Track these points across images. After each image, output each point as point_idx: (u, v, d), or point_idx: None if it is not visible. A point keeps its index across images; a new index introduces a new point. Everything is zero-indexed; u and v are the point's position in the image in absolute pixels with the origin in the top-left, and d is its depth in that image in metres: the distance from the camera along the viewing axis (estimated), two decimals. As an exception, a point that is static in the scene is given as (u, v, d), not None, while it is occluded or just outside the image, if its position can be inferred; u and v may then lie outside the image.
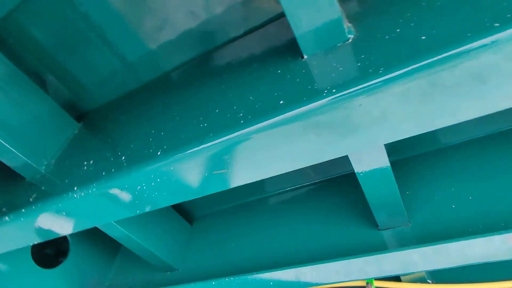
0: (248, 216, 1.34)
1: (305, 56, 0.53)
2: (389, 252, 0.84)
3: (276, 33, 0.70)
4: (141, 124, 0.77)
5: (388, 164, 0.70)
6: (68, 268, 1.35)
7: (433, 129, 0.44)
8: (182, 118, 0.66)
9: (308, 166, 1.20)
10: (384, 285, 1.20)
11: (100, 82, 1.04)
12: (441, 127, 0.44)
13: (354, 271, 0.90)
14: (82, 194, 0.71)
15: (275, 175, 0.58)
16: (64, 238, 1.41)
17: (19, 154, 0.86)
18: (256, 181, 0.61)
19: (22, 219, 0.80)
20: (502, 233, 0.69)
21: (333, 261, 0.90)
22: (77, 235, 1.44)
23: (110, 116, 0.96)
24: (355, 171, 0.73)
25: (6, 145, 0.84)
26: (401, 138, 0.48)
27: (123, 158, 0.68)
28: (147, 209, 0.72)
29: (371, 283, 1.20)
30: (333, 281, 0.94)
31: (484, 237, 0.74)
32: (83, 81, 1.07)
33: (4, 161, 0.89)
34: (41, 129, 0.95)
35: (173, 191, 0.65)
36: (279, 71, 0.56)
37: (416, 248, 0.82)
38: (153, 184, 0.64)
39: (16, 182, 0.95)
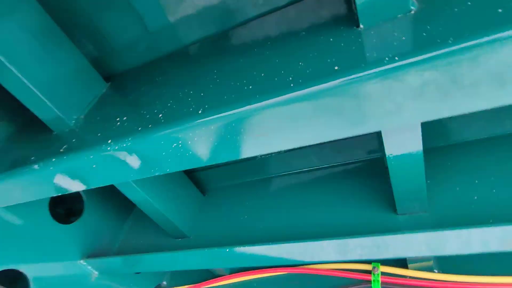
0: (262, 192, 1.36)
1: (362, 26, 0.53)
2: (403, 234, 0.86)
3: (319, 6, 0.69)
4: (178, 86, 0.77)
5: (421, 147, 0.70)
6: (82, 225, 1.39)
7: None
8: (223, 81, 0.67)
9: (329, 147, 1.21)
10: (390, 270, 1.23)
11: (128, 46, 1.04)
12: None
13: (367, 250, 0.91)
14: (116, 147, 0.72)
15: (314, 143, 0.58)
16: (78, 197, 1.44)
17: (51, 105, 0.87)
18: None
19: (51, 168, 0.82)
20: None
21: (347, 238, 0.91)
22: (91, 195, 1.47)
23: (143, 78, 0.96)
24: (386, 153, 0.73)
25: (40, 95, 0.85)
26: (446, 116, 0.48)
27: (160, 115, 0.69)
28: (178, 168, 0.73)
29: (377, 267, 1.23)
30: (346, 259, 0.96)
31: (501, 226, 0.75)
32: (112, 42, 1.06)
33: (36, 112, 0.90)
34: (71, 84, 0.95)
35: (208, 152, 0.65)
36: (331, 39, 0.56)
37: (430, 232, 0.83)
38: (189, 142, 0.65)
39: (45, 135, 0.96)
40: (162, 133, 0.65)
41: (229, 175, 1.45)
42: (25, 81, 0.81)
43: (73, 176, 0.84)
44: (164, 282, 1.74)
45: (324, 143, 0.59)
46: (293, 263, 1.04)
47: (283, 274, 1.44)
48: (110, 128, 0.78)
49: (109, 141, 0.73)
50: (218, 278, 1.55)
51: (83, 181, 0.86)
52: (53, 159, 0.81)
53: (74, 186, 0.88)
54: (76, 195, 1.44)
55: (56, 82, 0.90)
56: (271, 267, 1.46)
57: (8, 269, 1.10)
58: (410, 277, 1.18)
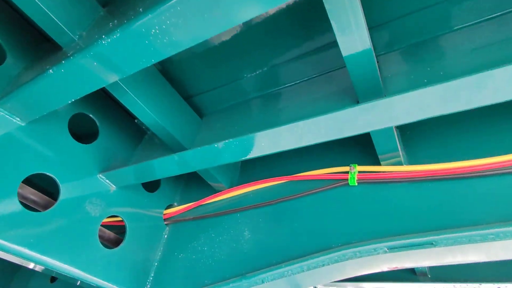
0: (249, 111, 1.51)
1: None
2: (364, 104, 0.99)
3: None
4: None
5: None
6: (98, 146, 1.60)
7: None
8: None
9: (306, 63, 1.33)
10: (366, 169, 1.38)
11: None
12: None
13: (337, 125, 1.06)
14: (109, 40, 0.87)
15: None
16: (93, 122, 1.64)
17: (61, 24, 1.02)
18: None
19: (62, 70, 0.99)
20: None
21: (319, 116, 1.05)
22: (104, 121, 1.67)
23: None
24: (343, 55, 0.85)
25: (47, 11, 0.99)
26: None
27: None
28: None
29: (354, 166, 1.38)
30: (319, 140, 1.10)
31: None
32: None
33: (43, 26, 1.05)
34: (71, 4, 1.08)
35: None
36: None
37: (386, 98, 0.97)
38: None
39: (57, 53, 1.13)
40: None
41: (221, 99, 1.60)
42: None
43: (84, 73, 1.00)
44: (175, 203, 1.98)
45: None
46: (279, 148, 1.18)
47: (276, 184, 1.63)
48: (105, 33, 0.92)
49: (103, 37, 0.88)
50: (220, 192, 1.75)
51: (95, 76, 1.01)
52: (63, 61, 0.97)
53: (85, 87, 1.05)
54: (91, 122, 1.64)
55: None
56: (265, 179, 1.65)
57: (41, 173, 1.33)
58: (384, 172, 1.33)
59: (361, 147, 1.50)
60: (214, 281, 1.44)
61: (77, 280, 1.48)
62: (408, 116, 0.99)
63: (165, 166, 1.41)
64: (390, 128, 1.19)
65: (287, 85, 1.45)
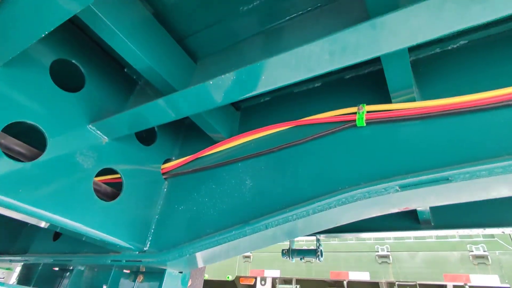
0: (250, 50, 1.37)
1: None
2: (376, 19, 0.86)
3: None
4: None
5: None
6: (86, 95, 1.48)
7: None
8: None
9: None
10: (376, 108, 1.27)
11: None
12: None
13: (339, 52, 0.94)
14: None
15: None
16: (78, 71, 1.51)
17: None
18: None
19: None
20: None
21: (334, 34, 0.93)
22: (91, 70, 1.54)
23: None
24: None
25: None
26: None
27: None
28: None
29: (362, 106, 1.28)
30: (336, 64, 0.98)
31: None
32: None
33: None
34: None
35: None
36: None
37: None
38: None
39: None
40: None
41: (216, 39, 1.45)
42: None
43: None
44: (173, 158, 1.91)
45: None
46: (278, 81, 1.07)
47: (278, 131, 1.53)
48: None
49: None
50: (219, 143, 1.67)
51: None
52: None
53: (53, 13, 0.91)
54: (77, 71, 1.51)
55: None
56: (267, 126, 1.55)
57: (24, 123, 1.23)
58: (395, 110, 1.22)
59: (371, 87, 1.38)
60: (216, 230, 1.40)
61: (77, 234, 1.44)
62: (427, 32, 0.86)
63: (156, 111, 1.30)
64: (405, 58, 1.07)
65: (290, 16, 1.29)
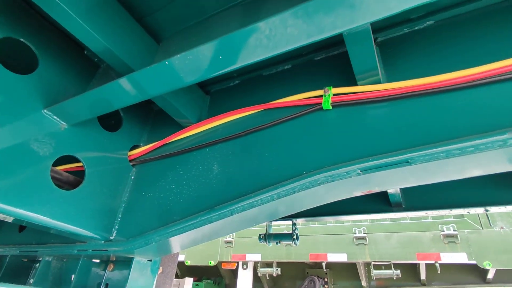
0: (214, 27, 1.31)
1: None
2: None
3: None
4: None
5: None
6: (39, 77, 1.39)
7: None
8: None
9: None
10: (342, 90, 1.25)
11: None
12: None
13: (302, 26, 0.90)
14: None
15: None
16: (30, 51, 1.40)
17: None
18: None
19: None
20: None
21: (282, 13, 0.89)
22: (44, 49, 1.43)
23: None
24: None
25: None
26: None
27: None
28: None
29: (328, 89, 1.25)
30: (291, 44, 0.93)
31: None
32: None
33: None
34: None
35: None
36: None
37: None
38: None
39: None
40: None
41: (179, 17, 1.38)
42: None
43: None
44: (141, 144, 1.84)
45: None
46: (242, 60, 1.02)
47: (246, 115, 1.49)
48: None
49: None
50: (187, 128, 1.62)
51: None
52: None
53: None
54: (29, 53, 1.40)
55: None
56: (234, 110, 1.51)
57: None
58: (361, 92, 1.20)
59: (341, 69, 1.36)
60: (183, 217, 1.37)
61: (39, 226, 1.37)
62: (387, 7, 0.83)
63: (116, 92, 1.23)
64: (368, 38, 1.04)
65: None
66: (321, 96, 1.27)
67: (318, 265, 6.60)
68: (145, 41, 1.40)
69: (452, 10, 1.24)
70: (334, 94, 1.25)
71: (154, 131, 1.90)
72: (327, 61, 1.48)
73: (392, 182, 1.13)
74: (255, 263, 6.71)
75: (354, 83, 1.25)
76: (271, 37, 0.92)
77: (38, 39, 1.42)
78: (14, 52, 1.40)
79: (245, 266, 6.70)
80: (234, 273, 7.56)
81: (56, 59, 1.48)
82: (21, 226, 2.20)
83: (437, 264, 5.15)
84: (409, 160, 0.98)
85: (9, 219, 1.38)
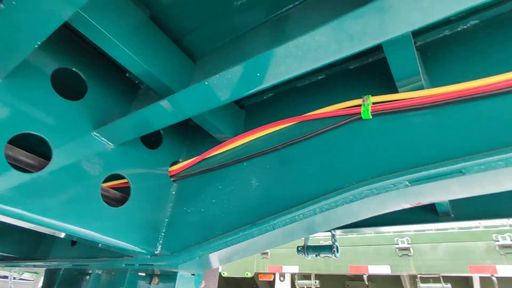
0: (248, 44, 1.34)
1: None
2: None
3: None
4: None
5: None
6: (88, 102, 1.49)
7: None
8: None
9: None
10: (382, 99, 1.21)
11: None
12: None
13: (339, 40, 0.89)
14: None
15: None
16: (80, 79, 1.52)
17: None
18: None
19: (13, 2, 0.84)
20: None
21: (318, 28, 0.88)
22: (92, 77, 1.55)
23: None
24: None
25: None
26: None
27: None
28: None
29: (367, 98, 1.22)
30: (329, 57, 0.92)
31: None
32: None
33: None
34: None
35: None
36: None
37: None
38: None
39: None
40: None
41: (213, 36, 1.43)
42: None
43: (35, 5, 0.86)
44: (180, 160, 1.90)
45: None
46: (279, 76, 1.03)
47: (282, 128, 1.49)
48: None
49: None
50: (224, 143, 1.65)
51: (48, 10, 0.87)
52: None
53: (45, 20, 0.91)
54: (79, 79, 1.52)
55: None
56: (269, 123, 1.52)
57: (29, 133, 1.25)
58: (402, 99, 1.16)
59: (377, 77, 1.32)
60: (224, 231, 1.39)
61: (89, 241, 1.46)
62: (429, 14, 0.80)
63: (157, 113, 1.29)
64: (409, 43, 1.00)
65: (291, 5, 1.25)
66: (359, 105, 1.24)
67: (358, 278, 6.33)
68: (182, 61, 1.46)
69: (497, 8, 1.16)
70: (374, 103, 1.21)
71: (192, 146, 1.96)
72: (362, 69, 1.44)
73: (444, 193, 1.07)
74: (293, 275, 6.59)
75: (393, 90, 1.20)
76: (310, 52, 0.92)
77: (87, 66, 1.54)
78: (65, 79, 1.52)
79: (282, 278, 6.60)
80: (271, 284, 7.46)
81: (102, 84, 1.59)
82: (73, 241, 2.35)
83: (493, 278, 4.72)
84: (463, 170, 0.92)
85: (62, 235, 1.48)
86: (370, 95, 1.23)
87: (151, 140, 1.82)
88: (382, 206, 1.15)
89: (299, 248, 2.69)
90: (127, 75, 1.75)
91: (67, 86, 1.52)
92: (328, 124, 1.32)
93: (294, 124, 1.47)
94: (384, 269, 5.41)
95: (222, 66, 1.27)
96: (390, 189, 1.01)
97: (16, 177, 1.18)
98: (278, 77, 1.01)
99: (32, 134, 1.26)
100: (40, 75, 1.34)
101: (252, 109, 1.77)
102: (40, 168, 1.31)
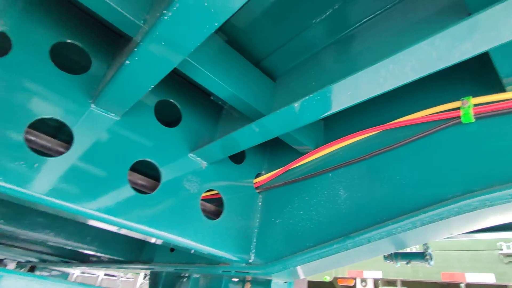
0: (325, 61, 1.35)
1: None
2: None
3: None
4: None
5: None
6: (183, 128, 1.69)
7: None
8: None
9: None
10: (484, 100, 1.12)
11: None
12: None
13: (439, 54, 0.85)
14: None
15: None
16: (174, 107, 1.72)
17: (121, 11, 1.04)
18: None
19: (136, 58, 1.02)
20: None
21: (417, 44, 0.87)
22: (186, 105, 1.74)
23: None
24: None
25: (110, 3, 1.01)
26: None
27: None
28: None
29: (467, 100, 1.14)
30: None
31: None
32: None
33: (112, 20, 1.08)
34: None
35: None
36: None
37: None
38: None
39: (128, 41, 1.18)
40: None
41: (291, 56, 1.48)
42: None
43: (154, 58, 1.02)
44: (263, 172, 2.00)
45: None
46: (364, 95, 1.03)
47: (367, 136, 1.47)
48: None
49: (165, 12, 0.85)
50: (306, 154, 1.68)
51: (164, 60, 1.02)
52: (135, 49, 1.00)
53: (161, 69, 1.07)
54: (173, 107, 1.73)
55: None
56: (354, 133, 1.50)
57: (142, 160, 1.47)
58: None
59: (474, 75, 1.21)
60: (316, 243, 1.42)
61: (190, 250, 1.64)
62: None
63: (247, 135, 1.39)
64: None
65: (359, 23, 1.24)
66: (457, 108, 1.16)
67: (452, 286, 5.69)
68: (264, 81, 1.54)
69: None
70: (475, 105, 1.12)
71: (272, 158, 2.04)
72: (453, 69, 1.34)
73: None
74: (375, 281, 6.25)
75: (494, 90, 1.10)
76: (405, 67, 0.91)
77: (180, 95, 1.74)
78: (162, 108, 1.74)
79: (364, 284, 6.31)
80: (351, 289, 7.19)
81: (192, 109, 1.77)
82: (172, 248, 2.64)
83: None
84: None
85: (171, 245, 1.68)
86: (470, 97, 1.13)
87: (236, 155, 1.96)
88: (494, 217, 1.05)
89: (386, 256, 2.57)
90: (211, 97, 1.92)
91: (164, 114, 1.74)
92: (419, 131, 1.25)
93: (379, 132, 1.43)
94: (487, 278, 4.76)
95: (303, 84, 1.31)
96: (508, 201, 0.92)
97: (135, 197, 1.40)
98: (369, 93, 1.02)
99: (146, 161, 1.47)
100: (146, 109, 1.56)
101: (331, 119, 1.77)
102: (152, 189, 1.53)
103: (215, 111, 1.90)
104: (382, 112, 1.50)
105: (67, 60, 1.38)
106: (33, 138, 1.27)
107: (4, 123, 1.13)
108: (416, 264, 5.40)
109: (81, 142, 1.29)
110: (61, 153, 1.26)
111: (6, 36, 1.23)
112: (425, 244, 2.35)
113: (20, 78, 1.20)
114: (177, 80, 1.78)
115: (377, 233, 1.18)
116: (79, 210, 1.23)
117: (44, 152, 1.27)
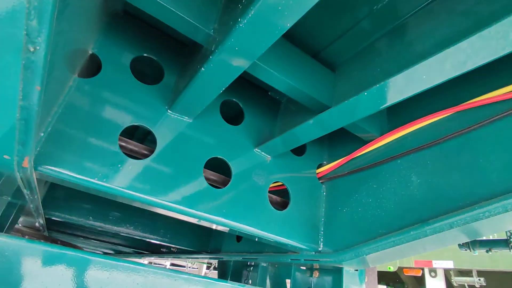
0: (381, 50, 1.32)
1: None
2: None
3: None
4: None
5: None
6: (246, 125, 1.77)
7: None
8: None
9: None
10: None
11: None
12: None
13: None
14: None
15: None
16: (236, 105, 1.81)
17: (193, 22, 1.13)
18: None
19: (211, 65, 1.11)
20: None
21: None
22: (247, 103, 1.82)
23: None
24: None
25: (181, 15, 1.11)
26: None
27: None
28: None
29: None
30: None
31: None
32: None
33: (183, 31, 1.17)
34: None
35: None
36: None
37: None
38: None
39: (197, 50, 1.28)
40: None
41: (348, 47, 1.47)
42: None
43: (227, 65, 1.10)
44: (325, 162, 2.02)
45: None
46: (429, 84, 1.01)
47: (437, 120, 1.41)
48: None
49: (238, 20, 0.91)
50: (371, 142, 1.66)
51: (236, 66, 1.10)
52: (211, 57, 1.09)
53: (232, 74, 1.15)
54: (236, 106, 1.82)
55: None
56: (423, 117, 1.45)
57: (214, 157, 1.59)
58: None
59: None
60: (389, 230, 1.41)
61: (263, 240, 1.73)
62: None
63: (309, 129, 1.43)
64: None
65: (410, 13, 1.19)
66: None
67: (541, 277, 5.10)
68: (323, 72, 1.55)
69: None
70: None
71: (332, 148, 2.05)
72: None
73: None
74: (446, 271, 5.86)
75: None
76: (468, 55, 0.86)
77: (241, 94, 1.82)
78: (224, 108, 1.84)
79: (433, 274, 5.96)
80: (417, 280, 6.84)
81: (253, 106, 1.85)
82: (238, 237, 2.79)
83: None
84: None
85: (243, 235, 1.79)
86: None
87: (297, 148, 2.00)
88: None
89: (462, 243, 2.41)
90: (269, 93, 1.98)
91: (227, 113, 1.84)
92: (500, 111, 1.17)
93: (450, 115, 1.36)
94: None
95: (370, 72, 1.29)
96: None
97: (211, 192, 1.52)
98: (434, 81, 0.99)
99: (217, 158, 1.59)
100: (213, 110, 1.67)
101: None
102: (223, 183, 1.65)
103: (274, 106, 1.96)
104: (448, 93, 1.42)
105: (134, 71, 1.54)
106: (123, 144, 1.45)
107: (99, 135, 1.31)
108: (494, 252, 4.92)
109: (163, 144, 1.45)
110: (146, 156, 1.42)
111: (96, 56, 1.41)
112: (508, 231, 2.16)
113: (111, 93, 1.37)
114: (236, 79, 1.87)
115: (460, 218, 1.14)
116: (166, 205, 1.38)
117: (132, 155, 1.45)
